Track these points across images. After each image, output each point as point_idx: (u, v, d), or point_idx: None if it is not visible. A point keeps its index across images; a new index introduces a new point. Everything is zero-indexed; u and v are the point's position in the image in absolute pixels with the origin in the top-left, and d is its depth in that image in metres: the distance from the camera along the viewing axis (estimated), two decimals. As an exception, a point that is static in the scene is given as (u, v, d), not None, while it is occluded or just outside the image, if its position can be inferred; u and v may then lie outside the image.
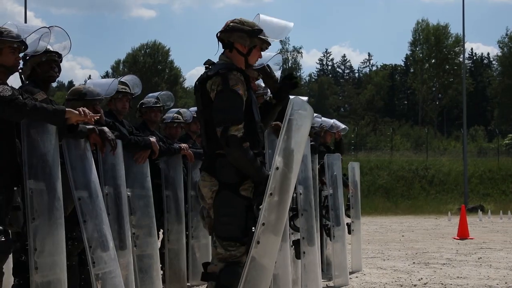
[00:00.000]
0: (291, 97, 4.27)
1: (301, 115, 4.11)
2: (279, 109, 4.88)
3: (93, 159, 4.94)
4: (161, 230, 7.32)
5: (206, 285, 4.57)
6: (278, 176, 4.02)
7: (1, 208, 4.38)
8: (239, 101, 4.30)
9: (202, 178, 4.47)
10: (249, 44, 4.48)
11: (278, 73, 5.21)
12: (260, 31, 4.49)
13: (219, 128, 4.24)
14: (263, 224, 4.00)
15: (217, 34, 4.54)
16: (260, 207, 4.10)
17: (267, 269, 4.14)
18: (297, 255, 5.80)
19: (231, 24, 4.50)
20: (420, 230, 19.15)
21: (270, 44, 4.59)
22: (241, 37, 4.47)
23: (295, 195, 5.75)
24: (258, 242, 4.00)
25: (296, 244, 5.85)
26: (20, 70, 5.23)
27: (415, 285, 7.95)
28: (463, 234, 15.56)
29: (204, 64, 4.56)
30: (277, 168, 4.02)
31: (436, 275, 8.87)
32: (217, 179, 4.37)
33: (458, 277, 8.72)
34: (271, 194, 4.01)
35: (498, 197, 35.16)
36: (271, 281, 4.63)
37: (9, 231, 4.53)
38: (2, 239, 4.30)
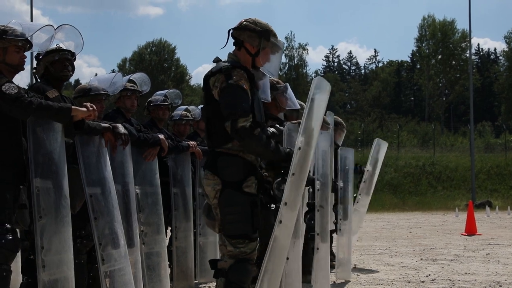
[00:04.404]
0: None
1: (322, 93, 4.18)
2: None
3: (108, 156, 4.96)
4: (169, 228, 7.32)
5: (214, 283, 4.57)
6: (300, 156, 4.08)
7: (8, 206, 4.39)
8: (244, 94, 4.30)
9: (205, 176, 4.48)
10: (258, 45, 4.48)
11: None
12: (270, 33, 4.49)
13: (228, 122, 4.25)
14: (286, 203, 4.06)
15: (229, 30, 4.55)
16: (281, 187, 4.21)
17: (286, 246, 4.22)
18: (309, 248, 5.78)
19: (244, 22, 4.51)
20: (428, 226, 19.11)
21: (281, 49, 4.59)
22: (251, 37, 4.48)
23: (311, 190, 5.76)
24: (280, 222, 4.07)
25: (309, 240, 5.84)
26: (34, 70, 5.28)
27: (423, 281, 7.93)
28: (470, 230, 15.52)
29: (213, 61, 4.57)
30: (299, 148, 4.08)
31: (444, 271, 8.84)
32: (220, 178, 4.38)
33: (466, 273, 8.69)
34: (293, 174, 4.07)
35: (505, 192, 35.07)
36: (283, 276, 4.68)
37: (17, 229, 4.53)
38: (10, 237, 4.30)
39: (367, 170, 9.40)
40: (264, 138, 4.29)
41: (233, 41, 4.55)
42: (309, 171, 4.54)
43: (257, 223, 4.37)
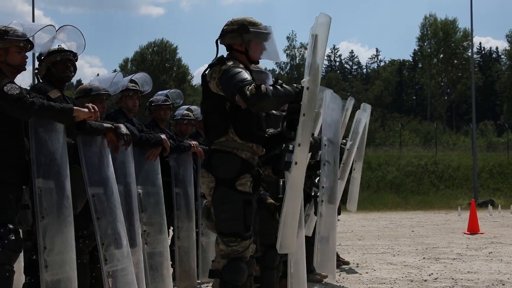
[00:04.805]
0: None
1: (325, 30, 4.16)
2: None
3: (110, 156, 4.96)
4: (171, 228, 7.32)
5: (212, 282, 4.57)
6: (309, 96, 4.11)
7: (11, 207, 4.39)
8: (243, 71, 4.27)
9: (201, 174, 4.53)
10: (241, 41, 4.50)
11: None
12: (247, 25, 4.48)
13: (237, 97, 4.17)
14: (299, 145, 4.09)
15: (216, 42, 4.59)
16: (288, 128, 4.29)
17: (301, 185, 4.21)
18: (316, 211, 5.73)
19: (224, 27, 4.56)
20: (430, 225, 19.09)
21: (268, 33, 4.54)
22: (233, 37, 4.52)
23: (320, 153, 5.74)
24: (296, 163, 4.08)
25: (315, 198, 5.81)
26: (36, 70, 5.29)
27: (425, 280, 7.92)
28: (473, 229, 15.50)
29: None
30: (308, 88, 4.10)
31: (447, 270, 8.83)
32: (214, 175, 4.40)
33: (468, 272, 8.69)
34: (304, 114, 4.09)
35: (508, 191, 35.04)
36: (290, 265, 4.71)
37: (19, 230, 4.54)
38: (12, 238, 4.31)
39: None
40: (271, 90, 4.18)
41: (226, 48, 4.59)
42: (314, 135, 4.56)
43: (250, 222, 4.37)
